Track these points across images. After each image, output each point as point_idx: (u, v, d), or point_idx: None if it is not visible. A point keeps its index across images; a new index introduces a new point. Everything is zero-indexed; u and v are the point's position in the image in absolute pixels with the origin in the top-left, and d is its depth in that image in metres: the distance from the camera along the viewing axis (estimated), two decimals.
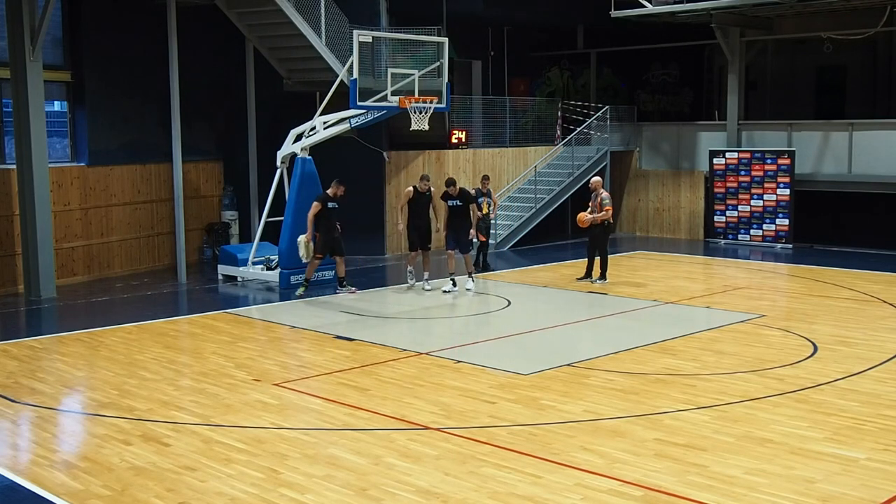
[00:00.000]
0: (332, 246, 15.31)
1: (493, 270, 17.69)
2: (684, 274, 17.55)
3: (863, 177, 20.52)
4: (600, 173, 23.26)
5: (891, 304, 14.23)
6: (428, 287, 15.60)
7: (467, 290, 15.39)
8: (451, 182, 15.52)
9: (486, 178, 18.31)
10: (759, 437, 8.04)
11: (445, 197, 15.46)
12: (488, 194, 17.82)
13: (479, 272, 17.40)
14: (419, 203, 15.51)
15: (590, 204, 16.05)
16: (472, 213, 15.44)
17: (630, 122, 24.51)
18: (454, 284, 15.40)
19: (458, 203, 15.38)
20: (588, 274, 16.27)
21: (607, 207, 15.79)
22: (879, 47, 22.99)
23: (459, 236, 15.36)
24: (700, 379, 10.06)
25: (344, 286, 15.47)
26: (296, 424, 8.67)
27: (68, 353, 11.50)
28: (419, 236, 15.63)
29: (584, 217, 15.87)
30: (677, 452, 7.68)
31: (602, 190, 15.98)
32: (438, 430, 8.37)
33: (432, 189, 15.70)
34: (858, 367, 10.46)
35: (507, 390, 9.61)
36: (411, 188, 15.73)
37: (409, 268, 16.09)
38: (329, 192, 15.16)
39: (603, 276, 16.08)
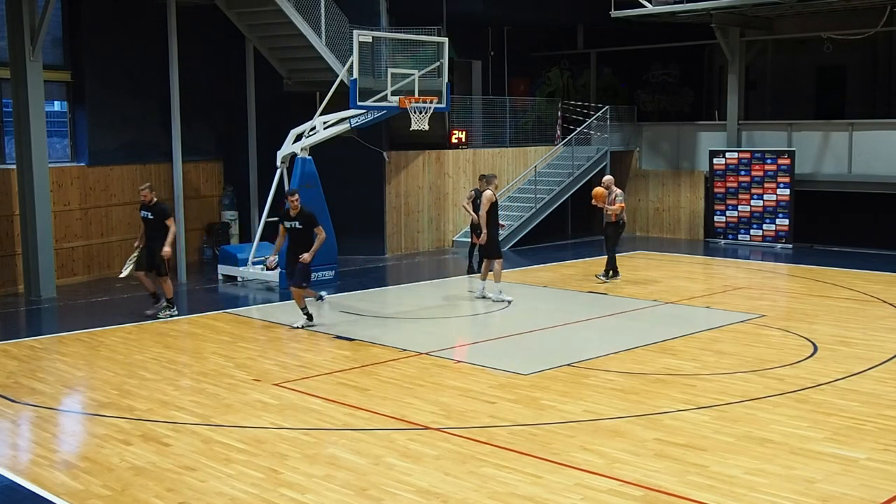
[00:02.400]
0: (140, 260, 13.57)
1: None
2: (684, 274, 17.54)
3: (863, 177, 20.51)
4: (601, 174, 23.31)
5: (891, 304, 14.23)
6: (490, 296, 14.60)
7: (297, 325, 12.80)
8: (290, 197, 12.45)
9: (483, 177, 17.97)
10: (759, 437, 8.04)
11: (283, 218, 12.64)
12: None
13: (473, 274, 17.33)
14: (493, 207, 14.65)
15: (608, 201, 16.17)
16: (317, 239, 12.54)
17: (630, 122, 24.50)
18: (310, 319, 12.83)
19: (298, 226, 12.45)
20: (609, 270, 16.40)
21: (621, 203, 16.01)
22: (879, 47, 22.99)
23: (296, 267, 12.56)
24: (700, 379, 10.06)
25: (163, 307, 13.60)
26: (296, 424, 8.67)
27: (68, 353, 11.50)
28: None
29: (601, 192, 15.92)
30: (677, 452, 7.68)
31: (615, 187, 16.12)
32: (438, 430, 8.36)
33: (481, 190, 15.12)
34: (858, 367, 10.46)
35: (507, 390, 9.61)
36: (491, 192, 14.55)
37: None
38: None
39: (606, 274, 16.18)
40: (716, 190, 22.30)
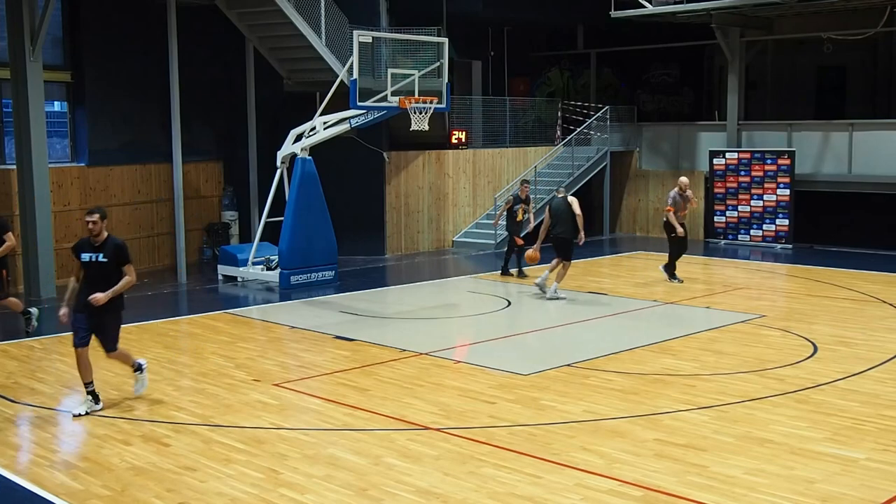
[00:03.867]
0: None
1: (524, 276, 16.76)
2: (684, 274, 17.47)
3: (862, 177, 20.51)
4: (600, 174, 23.34)
5: (890, 304, 14.23)
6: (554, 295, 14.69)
7: (76, 413, 8.90)
8: (92, 225, 8.99)
9: (525, 182, 17.41)
10: (758, 438, 8.04)
11: (79, 248, 9.12)
12: (527, 200, 16.96)
13: (508, 275, 16.88)
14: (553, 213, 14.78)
15: (682, 205, 16.14)
16: (124, 280, 8.98)
17: (630, 123, 24.50)
18: (95, 400, 9.09)
19: (101, 259, 8.96)
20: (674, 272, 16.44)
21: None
22: (879, 47, 22.98)
23: (101, 314, 8.93)
24: (700, 379, 10.05)
25: (26, 320, 12.56)
26: (295, 424, 8.67)
27: (68, 353, 11.43)
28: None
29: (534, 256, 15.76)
30: (677, 452, 7.68)
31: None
32: (438, 430, 8.36)
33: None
34: (858, 367, 10.45)
35: (506, 390, 9.61)
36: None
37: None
38: None
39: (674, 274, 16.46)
40: (716, 190, 22.30)
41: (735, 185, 21.98)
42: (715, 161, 22.25)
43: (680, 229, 16.04)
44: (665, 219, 16.13)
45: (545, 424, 8.49)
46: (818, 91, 24.46)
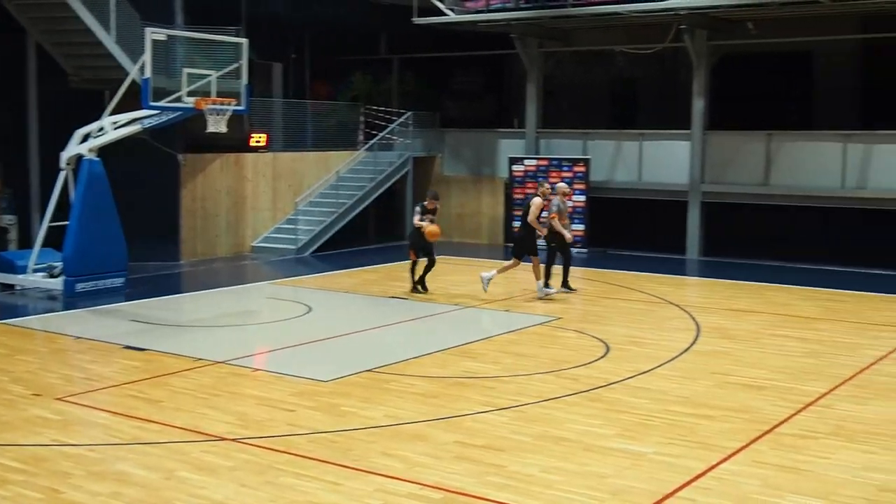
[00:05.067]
0: None
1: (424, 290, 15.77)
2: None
3: (651, 184, 21.59)
4: (403, 179, 23.45)
5: (677, 306, 14.99)
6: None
7: None
8: None
9: (432, 195, 16.11)
10: (554, 436, 8.22)
11: None
12: (434, 212, 15.71)
13: (418, 293, 15.71)
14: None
15: (565, 212, 16.27)
16: None
17: (433, 128, 24.77)
18: None
19: None
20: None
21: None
22: (666, 62, 24.24)
23: None
24: (499, 381, 10.20)
25: None
26: (80, 440, 8.13)
27: None
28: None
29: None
30: (476, 454, 7.73)
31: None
32: (234, 440, 8.06)
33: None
34: (647, 365, 10.92)
35: (306, 397, 9.41)
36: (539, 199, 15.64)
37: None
38: None
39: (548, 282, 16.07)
40: (515, 196, 22.86)
41: (533, 190, 22.50)
42: (514, 167, 22.83)
43: (568, 235, 16.08)
44: (548, 227, 15.93)
45: (346, 430, 8.36)
46: (612, 101, 25.59)
